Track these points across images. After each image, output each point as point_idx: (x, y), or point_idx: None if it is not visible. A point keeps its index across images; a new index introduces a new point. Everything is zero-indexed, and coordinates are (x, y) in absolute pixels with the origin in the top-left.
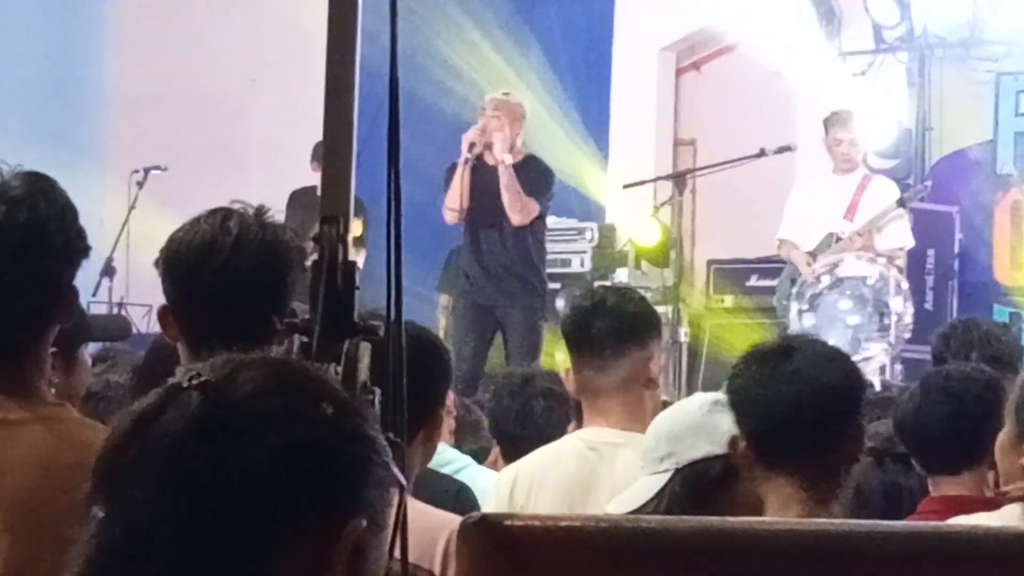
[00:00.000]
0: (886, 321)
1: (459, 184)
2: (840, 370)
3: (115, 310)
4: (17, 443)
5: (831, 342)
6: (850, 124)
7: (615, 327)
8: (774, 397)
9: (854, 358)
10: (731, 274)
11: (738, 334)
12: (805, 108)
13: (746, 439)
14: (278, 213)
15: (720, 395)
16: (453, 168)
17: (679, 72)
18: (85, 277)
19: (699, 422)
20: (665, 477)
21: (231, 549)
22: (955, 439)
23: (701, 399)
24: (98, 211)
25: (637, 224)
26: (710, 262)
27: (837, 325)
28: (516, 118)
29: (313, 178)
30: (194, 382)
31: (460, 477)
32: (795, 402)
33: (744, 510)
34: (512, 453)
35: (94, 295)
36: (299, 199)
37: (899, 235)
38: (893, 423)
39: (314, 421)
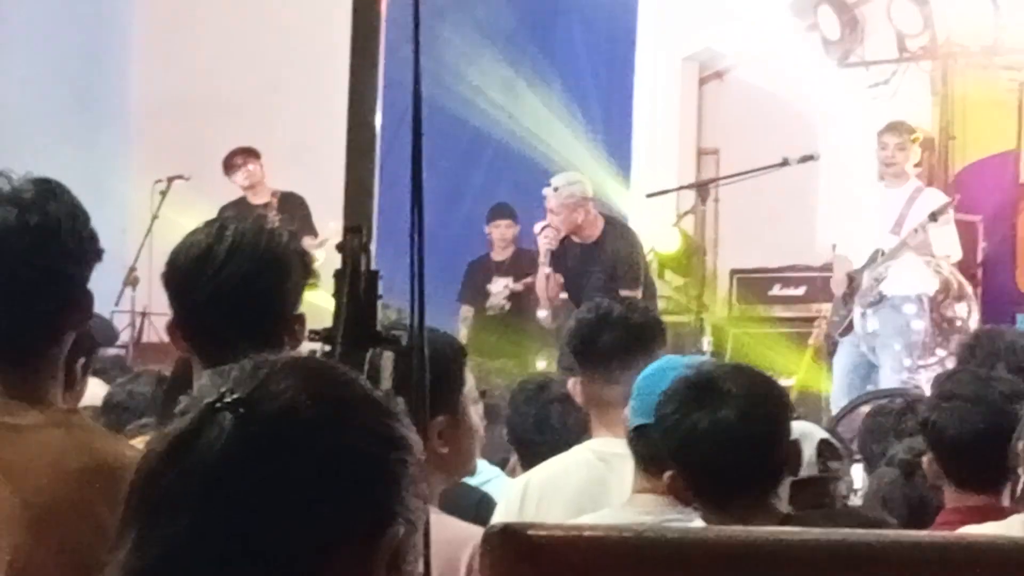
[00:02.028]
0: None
1: (542, 286)
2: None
3: (138, 320)
4: (30, 446)
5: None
6: (900, 130)
7: (621, 339)
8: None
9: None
10: (754, 283)
11: (761, 343)
12: (827, 117)
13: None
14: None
15: None
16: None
17: (702, 81)
18: (108, 286)
19: None
20: None
21: (277, 566)
22: (997, 454)
23: None
24: (121, 220)
25: (659, 233)
26: (733, 271)
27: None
28: (574, 206)
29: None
30: (226, 400)
31: (487, 489)
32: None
33: None
34: (530, 460)
35: (117, 304)
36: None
37: (945, 244)
38: (929, 435)
39: (351, 428)
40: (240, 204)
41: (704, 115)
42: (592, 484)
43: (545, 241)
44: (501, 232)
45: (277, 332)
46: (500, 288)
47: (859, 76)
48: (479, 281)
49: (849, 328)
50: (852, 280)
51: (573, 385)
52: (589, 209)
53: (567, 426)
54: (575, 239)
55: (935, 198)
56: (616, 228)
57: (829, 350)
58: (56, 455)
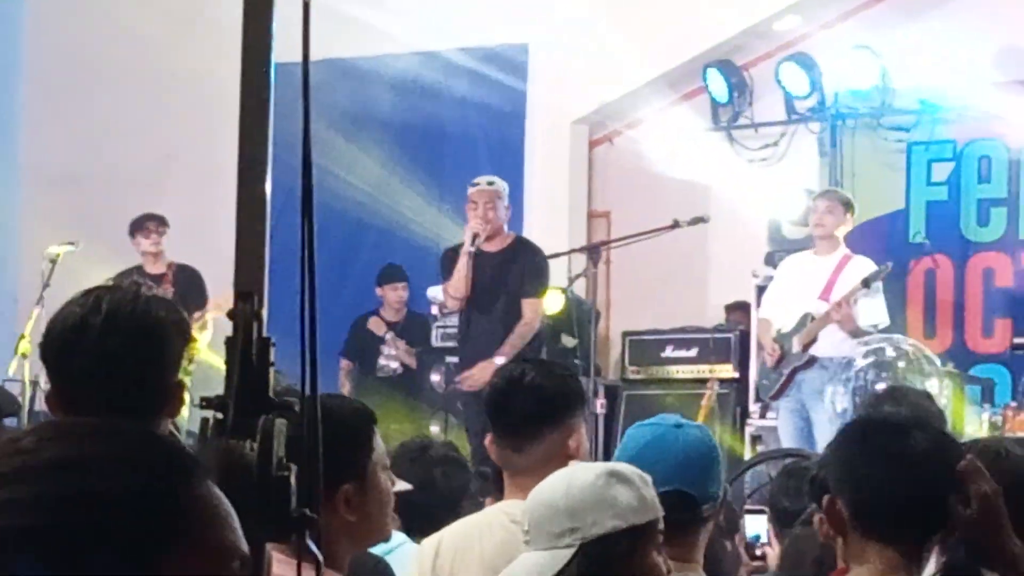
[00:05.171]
0: None
1: (462, 273)
2: (956, 455)
3: (31, 389)
4: None
5: None
6: (830, 195)
7: (531, 408)
8: (893, 477)
9: None
10: (646, 345)
11: (654, 404)
12: (718, 179)
13: (848, 509)
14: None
15: (616, 465)
16: (450, 255)
17: (592, 144)
18: None
19: (600, 495)
20: (565, 554)
21: None
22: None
23: (594, 470)
24: (12, 289)
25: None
26: (625, 333)
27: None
28: (496, 200)
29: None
30: None
31: (395, 555)
32: (914, 484)
33: None
34: (414, 521)
35: (9, 374)
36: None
37: (874, 312)
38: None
39: (35, 507)
40: (138, 272)
41: (594, 178)
42: (507, 546)
43: (475, 226)
44: (398, 294)
45: (156, 402)
46: (392, 352)
47: (748, 138)
48: (367, 339)
49: (780, 392)
50: (782, 346)
51: (489, 443)
52: (507, 210)
53: (451, 487)
54: (488, 250)
55: (864, 266)
56: (527, 242)
57: (760, 413)
58: None
